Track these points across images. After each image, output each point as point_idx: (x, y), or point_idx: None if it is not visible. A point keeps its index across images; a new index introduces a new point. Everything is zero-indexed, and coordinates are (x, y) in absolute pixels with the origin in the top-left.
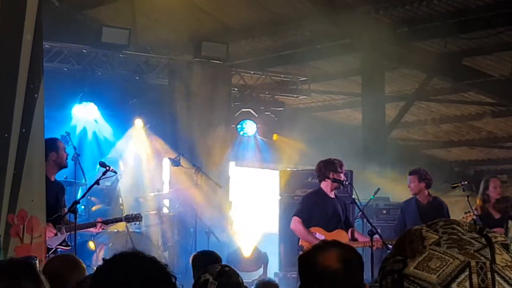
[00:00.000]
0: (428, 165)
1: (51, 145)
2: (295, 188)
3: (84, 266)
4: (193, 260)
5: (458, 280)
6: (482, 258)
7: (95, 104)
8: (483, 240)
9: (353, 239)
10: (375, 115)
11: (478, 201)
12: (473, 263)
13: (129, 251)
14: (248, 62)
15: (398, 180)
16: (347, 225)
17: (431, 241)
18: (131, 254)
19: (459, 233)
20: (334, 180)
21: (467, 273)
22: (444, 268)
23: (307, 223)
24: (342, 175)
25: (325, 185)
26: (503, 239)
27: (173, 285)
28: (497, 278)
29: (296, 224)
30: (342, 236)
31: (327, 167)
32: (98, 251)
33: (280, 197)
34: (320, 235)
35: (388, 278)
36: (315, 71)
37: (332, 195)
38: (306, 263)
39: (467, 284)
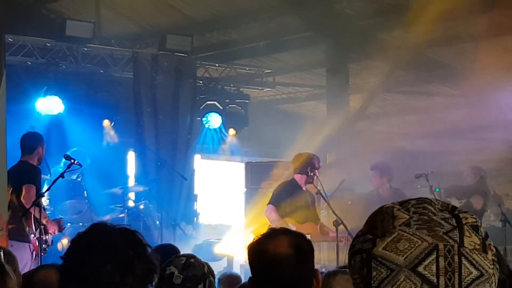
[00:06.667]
0: (392, 156)
1: (41, 139)
2: (260, 180)
3: (15, 257)
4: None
5: (425, 263)
6: (450, 240)
7: (59, 97)
8: (453, 221)
9: (323, 232)
10: (340, 107)
11: None
12: (441, 246)
13: (102, 223)
14: (213, 55)
15: (363, 172)
16: (315, 218)
17: (401, 221)
18: (103, 226)
19: (430, 213)
20: (308, 180)
21: (434, 256)
22: (412, 250)
23: (281, 213)
24: (317, 171)
25: (300, 178)
26: (473, 220)
27: (146, 257)
28: (464, 261)
29: (270, 212)
30: (313, 228)
31: (306, 163)
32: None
33: (245, 189)
34: (292, 225)
35: (357, 257)
36: (280, 63)
37: (304, 187)
38: (256, 251)
39: (433, 267)
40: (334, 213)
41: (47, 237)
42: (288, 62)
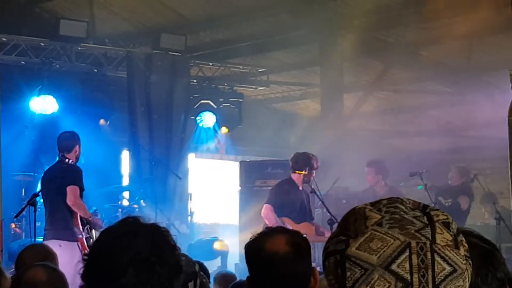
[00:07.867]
0: (386, 155)
1: (78, 138)
2: (255, 178)
3: (56, 255)
4: None
5: (398, 261)
6: (422, 238)
7: (53, 97)
8: (425, 219)
9: (319, 233)
10: (334, 106)
11: None
12: (413, 243)
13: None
14: (207, 54)
15: (357, 170)
16: (310, 217)
17: (373, 221)
18: (135, 221)
19: (402, 212)
20: (306, 181)
21: (407, 253)
22: (384, 249)
23: (278, 212)
24: (314, 172)
25: (297, 177)
26: (444, 217)
27: (175, 253)
28: (437, 258)
29: (267, 212)
30: (309, 229)
31: (305, 162)
32: None
33: (240, 188)
34: (289, 225)
35: (331, 259)
36: (274, 62)
37: (300, 187)
38: (253, 250)
39: (406, 265)
40: (329, 212)
41: (93, 234)
42: (282, 61)
